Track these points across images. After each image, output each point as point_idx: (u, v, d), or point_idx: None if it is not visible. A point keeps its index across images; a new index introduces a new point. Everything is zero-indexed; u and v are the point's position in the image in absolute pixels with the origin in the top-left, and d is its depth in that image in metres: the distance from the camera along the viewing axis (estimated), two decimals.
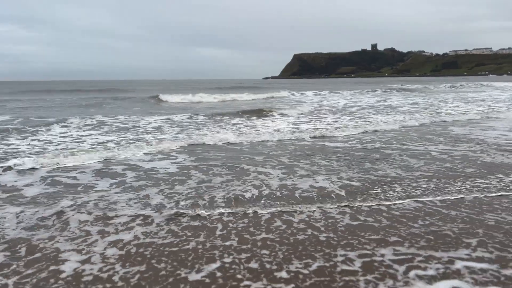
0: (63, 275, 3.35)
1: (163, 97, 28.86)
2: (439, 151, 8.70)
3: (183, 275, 3.34)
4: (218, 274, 3.35)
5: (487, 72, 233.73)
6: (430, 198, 5.34)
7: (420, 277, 3.27)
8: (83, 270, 3.44)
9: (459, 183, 6.10)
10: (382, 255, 3.63)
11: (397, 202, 5.20)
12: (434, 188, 5.81)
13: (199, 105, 25.40)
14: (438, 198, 5.37)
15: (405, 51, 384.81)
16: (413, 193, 5.56)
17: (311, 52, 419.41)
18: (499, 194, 5.54)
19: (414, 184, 6.02)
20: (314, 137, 11.00)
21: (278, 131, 12.17)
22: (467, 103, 23.95)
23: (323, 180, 6.31)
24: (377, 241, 3.95)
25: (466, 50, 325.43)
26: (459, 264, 3.49)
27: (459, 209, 4.95)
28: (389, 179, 6.34)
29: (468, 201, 5.24)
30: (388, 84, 57.57)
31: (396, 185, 5.97)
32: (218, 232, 4.23)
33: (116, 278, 3.30)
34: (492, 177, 6.42)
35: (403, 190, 5.72)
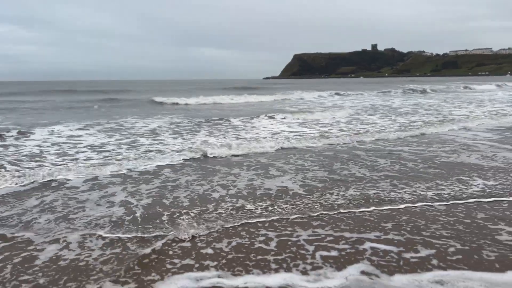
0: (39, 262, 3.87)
1: (164, 99, 27.54)
2: None
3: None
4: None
5: (487, 73, 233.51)
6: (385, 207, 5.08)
7: (326, 258, 3.69)
8: (62, 256, 3.97)
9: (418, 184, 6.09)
10: (299, 236, 4.12)
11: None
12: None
13: (219, 106, 24.28)
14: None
15: (405, 51, 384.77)
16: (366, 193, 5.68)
17: (311, 52, 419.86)
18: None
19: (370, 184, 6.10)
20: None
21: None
22: None
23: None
24: (300, 224, 4.45)
25: (466, 50, 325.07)
26: (366, 245, 3.92)
27: None
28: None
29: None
30: (399, 84, 55.97)
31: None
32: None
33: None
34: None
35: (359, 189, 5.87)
